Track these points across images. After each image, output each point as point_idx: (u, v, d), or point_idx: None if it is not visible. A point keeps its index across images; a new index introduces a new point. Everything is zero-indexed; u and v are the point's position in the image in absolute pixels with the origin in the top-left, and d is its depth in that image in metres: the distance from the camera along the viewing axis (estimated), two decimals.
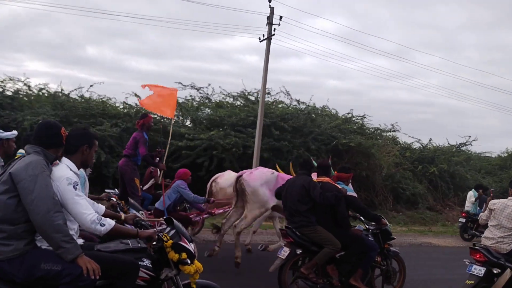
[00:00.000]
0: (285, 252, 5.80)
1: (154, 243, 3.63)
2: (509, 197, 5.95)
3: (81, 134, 3.48)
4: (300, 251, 5.82)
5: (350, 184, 6.70)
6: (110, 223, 3.27)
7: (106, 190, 6.47)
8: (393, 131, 19.01)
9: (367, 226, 6.35)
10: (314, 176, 6.30)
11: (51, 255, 3.04)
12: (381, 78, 68.31)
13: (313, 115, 17.22)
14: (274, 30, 15.49)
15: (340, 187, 6.00)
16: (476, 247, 5.82)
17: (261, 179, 7.08)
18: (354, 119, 18.43)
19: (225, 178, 8.76)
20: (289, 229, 5.93)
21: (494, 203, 6.00)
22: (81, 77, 49.16)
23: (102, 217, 3.27)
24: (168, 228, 3.78)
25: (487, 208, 6.15)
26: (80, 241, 3.34)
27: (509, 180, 7.24)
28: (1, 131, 4.63)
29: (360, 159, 16.30)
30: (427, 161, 19.22)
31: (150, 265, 3.57)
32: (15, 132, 4.76)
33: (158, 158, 8.70)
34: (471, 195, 13.61)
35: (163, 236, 3.62)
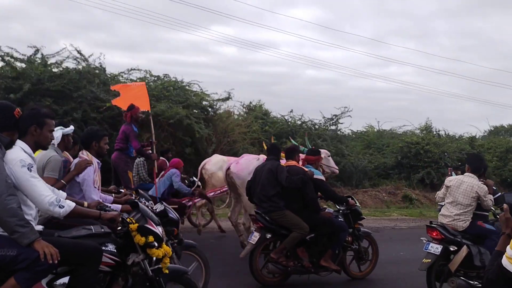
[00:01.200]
0: (255, 237, 5.81)
1: (120, 227, 3.54)
2: (465, 173, 5.90)
3: (28, 114, 3.35)
4: (270, 236, 5.86)
5: (320, 168, 6.73)
6: (70, 204, 3.19)
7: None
8: (227, 99, 14.72)
9: (338, 207, 6.39)
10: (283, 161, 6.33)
11: (5, 240, 2.94)
12: (358, 67, 68.98)
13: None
14: None
15: (307, 169, 6.02)
16: (432, 225, 5.78)
17: (248, 168, 7.07)
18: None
19: (213, 163, 8.83)
20: (259, 214, 5.94)
21: (450, 180, 5.94)
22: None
23: (62, 199, 3.17)
24: (134, 212, 3.69)
25: (444, 185, 6.08)
26: (39, 227, 3.21)
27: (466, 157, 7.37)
28: (62, 127, 4.62)
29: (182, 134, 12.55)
30: (285, 135, 16.55)
31: (115, 250, 3.51)
32: (72, 128, 4.80)
33: (149, 149, 8.60)
34: None
35: (128, 219, 3.52)
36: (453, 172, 9.05)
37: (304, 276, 6.06)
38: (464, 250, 5.45)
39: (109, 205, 4.14)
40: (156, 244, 3.56)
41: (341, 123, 19.38)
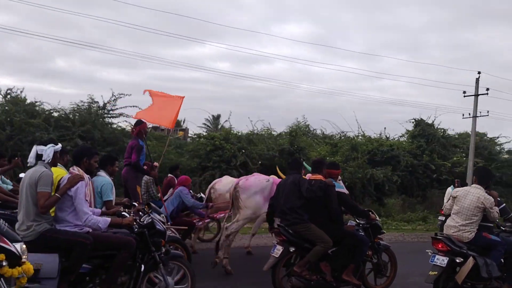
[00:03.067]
0: (278, 250, 5.76)
1: None
2: (472, 185, 5.95)
3: None
4: (293, 249, 5.80)
5: (340, 181, 6.72)
6: None
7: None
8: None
9: (358, 221, 6.38)
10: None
11: None
12: (352, 80, 69.42)
13: None
14: None
15: (331, 180, 6.01)
16: (438, 237, 5.73)
17: (256, 186, 7.12)
18: None
19: (223, 184, 8.70)
20: (282, 227, 5.89)
21: (457, 191, 5.98)
22: (52, 90, 47.66)
23: None
24: None
25: (450, 197, 6.11)
26: None
27: (474, 168, 7.41)
28: (53, 145, 4.69)
29: None
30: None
31: None
32: (60, 145, 4.92)
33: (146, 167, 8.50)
34: (449, 191, 11.98)
35: None
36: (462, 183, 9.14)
37: None
38: (470, 262, 5.44)
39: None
40: (4, 264, 3.50)
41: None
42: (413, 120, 21.84)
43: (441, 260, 5.50)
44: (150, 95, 8.30)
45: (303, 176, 6.17)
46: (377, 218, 6.46)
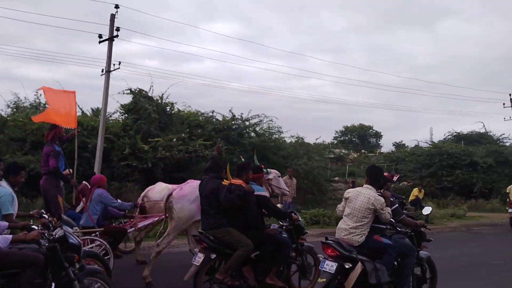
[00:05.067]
0: (199, 258, 5.66)
1: None
2: (364, 185, 5.70)
3: None
4: (215, 255, 5.71)
5: (264, 185, 6.71)
6: None
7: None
8: None
9: (281, 223, 6.38)
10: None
11: None
12: (280, 80, 70.84)
13: None
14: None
15: (250, 186, 5.97)
16: (327, 241, 5.37)
17: (191, 195, 6.73)
18: None
19: (157, 191, 8.26)
20: (202, 234, 5.82)
21: (349, 192, 5.71)
22: None
23: None
24: None
25: (343, 198, 5.82)
26: None
27: (366, 168, 6.70)
28: None
29: None
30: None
31: None
32: None
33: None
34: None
35: None
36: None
37: None
38: (358, 268, 5.14)
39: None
40: None
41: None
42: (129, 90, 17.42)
43: (330, 266, 5.16)
44: (44, 92, 7.86)
45: (225, 181, 6.07)
46: (300, 219, 6.49)
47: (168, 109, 17.90)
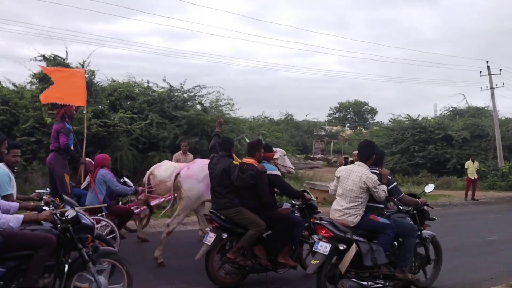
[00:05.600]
0: (210, 238, 5.64)
1: None
2: (356, 162, 5.41)
3: None
4: (226, 235, 5.69)
5: (274, 163, 6.62)
6: None
7: (37, 191, 5.92)
8: None
9: (293, 202, 6.32)
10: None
11: None
12: (284, 57, 69.66)
13: None
14: None
15: (263, 166, 5.88)
16: (321, 222, 5.12)
17: (199, 175, 6.67)
18: None
19: (163, 169, 8.22)
20: (213, 213, 5.78)
21: (340, 170, 5.43)
22: None
23: None
24: None
25: (335, 176, 5.52)
26: None
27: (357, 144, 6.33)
28: None
29: None
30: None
31: None
32: None
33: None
34: None
35: None
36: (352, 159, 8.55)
37: (261, 274, 5.98)
38: (353, 249, 4.90)
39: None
40: None
41: None
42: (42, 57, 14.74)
43: (324, 247, 4.92)
44: (47, 73, 7.75)
45: (235, 161, 5.99)
46: (312, 198, 6.42)
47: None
